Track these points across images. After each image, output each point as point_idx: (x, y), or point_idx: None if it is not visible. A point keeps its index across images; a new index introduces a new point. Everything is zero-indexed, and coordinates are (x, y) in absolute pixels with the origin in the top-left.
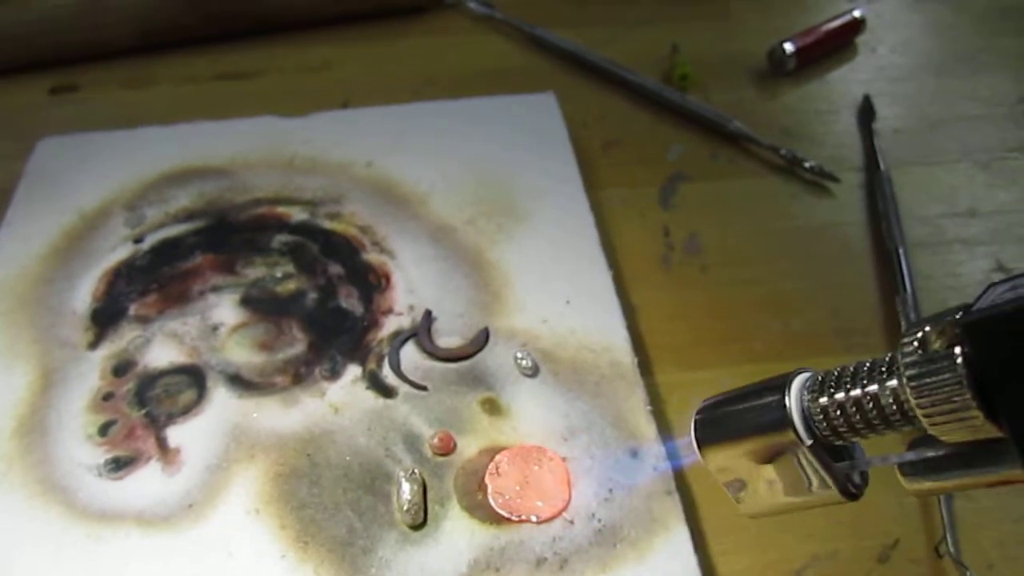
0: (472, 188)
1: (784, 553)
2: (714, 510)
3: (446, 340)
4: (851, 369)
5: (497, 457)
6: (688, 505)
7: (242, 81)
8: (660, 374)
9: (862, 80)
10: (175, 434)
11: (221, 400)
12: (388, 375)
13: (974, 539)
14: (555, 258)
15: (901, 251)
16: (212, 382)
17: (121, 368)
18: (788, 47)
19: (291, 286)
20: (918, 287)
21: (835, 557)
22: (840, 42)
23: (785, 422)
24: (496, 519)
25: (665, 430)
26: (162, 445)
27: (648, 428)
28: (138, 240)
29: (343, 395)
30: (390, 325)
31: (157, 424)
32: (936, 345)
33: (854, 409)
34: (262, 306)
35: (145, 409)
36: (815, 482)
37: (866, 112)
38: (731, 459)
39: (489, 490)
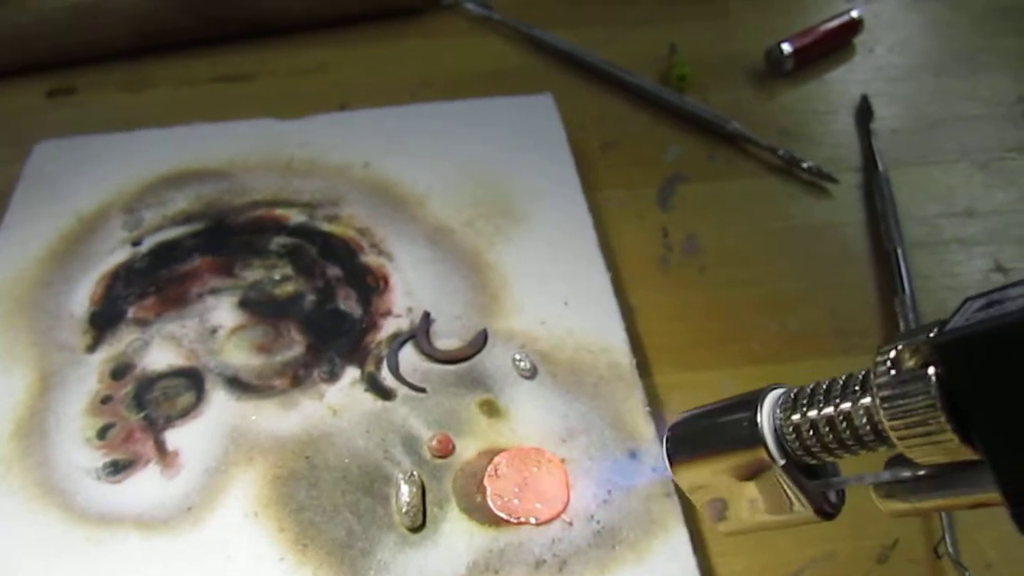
0: (470, 190)
1: (782, 554)
2: None
3: (444, 342)
4: (824, 386)
5: (496, 459)
6: (687, 507)
7: (240, 83)
8: (659, 375)
9: (860, 80)
10: (174, 437)
11: (220, 403)
12: (387, 377)
13: (973, 539)
14: (553, 259)
15: (899, 251)
16: (210, 385)
17: (119, 371)
18: (786, 47)
19: (289, 288)
20: (916, 287)
21: (834, 558)
22: (838, 42)
23: (756, 440)
24: (495, 521)
25: (664, 431)
26: (161, 448)
27: (647, 429)
28: (136, 243)
29: (342, 397)
30: (388, 327)
31: (156, 427)
32: (910, 364)
33: (827, 428)
34: (260, 308)
35: (144, 412)
36: (794, 502)
37: (864, 112)
38: (709, 476)
39: (488, 492)
